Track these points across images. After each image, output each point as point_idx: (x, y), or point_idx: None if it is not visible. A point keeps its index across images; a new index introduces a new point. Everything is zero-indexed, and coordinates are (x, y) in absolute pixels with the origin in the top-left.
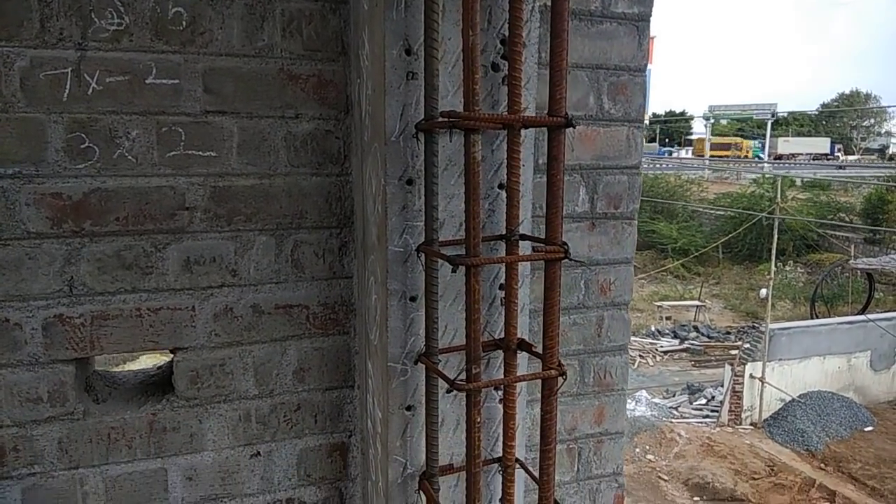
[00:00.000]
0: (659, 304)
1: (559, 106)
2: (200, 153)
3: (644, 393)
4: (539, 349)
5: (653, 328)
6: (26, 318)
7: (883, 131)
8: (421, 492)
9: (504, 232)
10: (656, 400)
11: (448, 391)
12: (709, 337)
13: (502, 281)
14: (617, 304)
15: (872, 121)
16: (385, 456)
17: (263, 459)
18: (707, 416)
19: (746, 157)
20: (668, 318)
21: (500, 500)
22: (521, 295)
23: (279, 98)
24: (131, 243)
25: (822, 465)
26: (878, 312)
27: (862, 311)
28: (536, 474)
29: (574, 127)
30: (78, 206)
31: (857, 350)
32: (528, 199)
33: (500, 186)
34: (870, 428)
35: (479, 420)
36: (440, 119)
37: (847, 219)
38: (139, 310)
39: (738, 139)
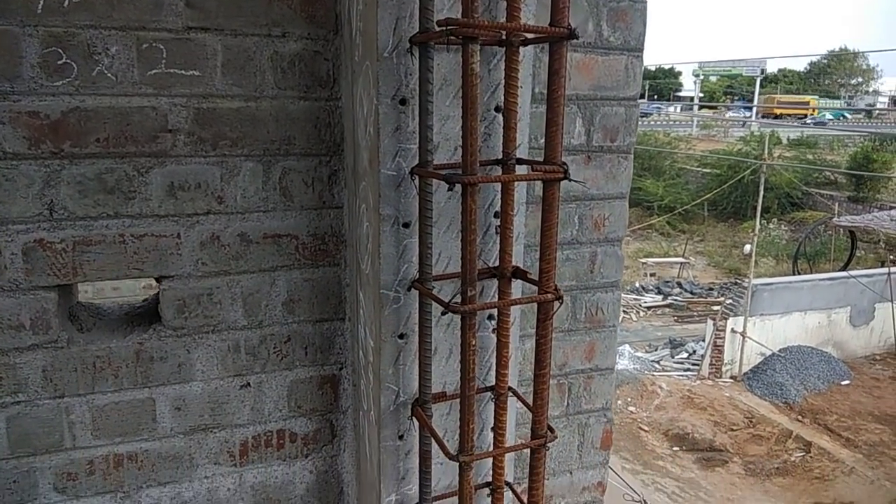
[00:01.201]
0: (644, 260)
1: (561, 16)
2: (183, 72)
3: (627, 347)
4: (534, 278)
5: (637, 284)
6: (5, 242)
7: (871, 90)
8: (414, 418)
9: (500, 157)
10: (639, 354)
11: (443, 313)
12: (692, 293)
13: (497, 209)
14: (610, 240)
15: (860, 79)
16: (377, 384)
17: (253, 390)
18: (688, 370)
19: (813, 114)
20: (652, 275)
21: (492, 428)
22: (516, 222)
23: (265, 15)
24: (113, 166)
25: (800, 418)
26: (859, 269)
27: (844, 268)
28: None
29: (577, 38)
30: (56, 126)
31: (837, 306)
32: (526, 122)
33: (497, 109)
34: (846, 382)
35: (473, 343)
36: (437, 29)
37: (832, 177)
38: (122, 236)
39: (809, 98)
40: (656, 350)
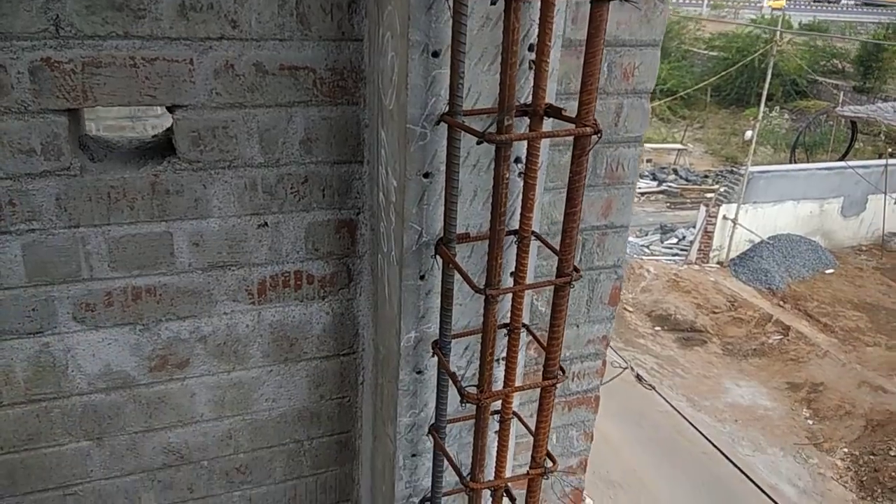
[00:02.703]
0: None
1: None
2: None
3: None
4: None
5: None
6: (10, 60)
7: None
8: (437, 257)
9: None
10: (630, 238)
11: (479, 143)
12: (687, 180)
13: (532, 40)
14: (638, 92)
15: None
16: (400, 224)
17: (271, 230)
18: (676, 255)
19: None
20: (648, 161)
21: (512, 273)
22: (552, 57)
23: None
24: None
25: (781, 303)
26: (856, 161)
27: (841, 159)
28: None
29: None
30: None
31: (830, 196)
32: None
33: None
34: (830, 270)
35: (507, 177)
36: None
37: (839, 65)
38: (133, 58)
39: None
40: (646, 235)
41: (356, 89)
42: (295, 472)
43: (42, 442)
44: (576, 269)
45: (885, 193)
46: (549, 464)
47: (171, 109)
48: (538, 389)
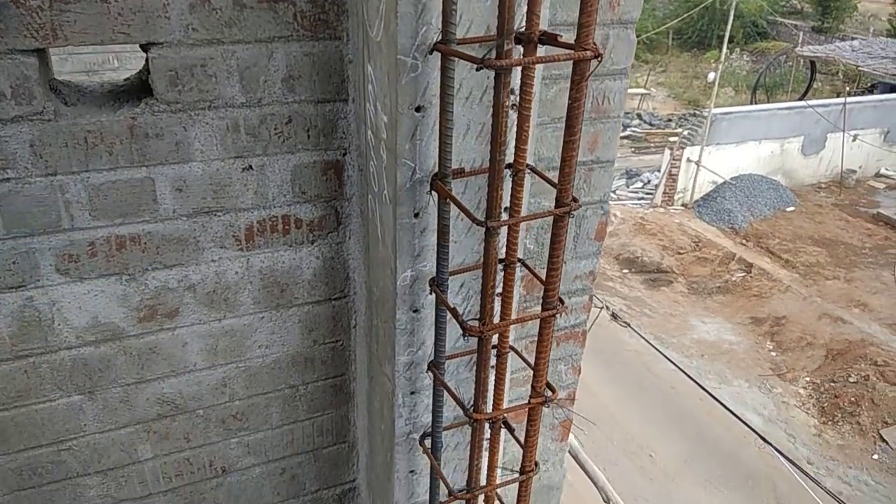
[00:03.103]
0: None
1: None
2: None
3: None
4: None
5: None
6: None
7: None
8: (432, 193)
9: None
10: None
11: (478, 69)
12: (650, 124)
13: None
14: (624, 22)
15: None
16: (393, 161)
17: (256, 174)
18: (642, 199)
19: None
20: None
21: (506, 208)
22: None
23: None
24: None
25: (744, 241)
26: (816, 100)
27: (801, 98)
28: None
29: None
30: None
31: (791, 135)
32: None
33: None
34: (791, 208)
35: (507, 104)
36: None
37: (798, 6)
38: None
39: None
40: (612, 180)
41: (338, 23)
42: (291, 417)
43: (32, 398)
44: (574, 200)
45: (844, 131)
46: (549, 393)
47: (145, 48)
48: (529, 324)
